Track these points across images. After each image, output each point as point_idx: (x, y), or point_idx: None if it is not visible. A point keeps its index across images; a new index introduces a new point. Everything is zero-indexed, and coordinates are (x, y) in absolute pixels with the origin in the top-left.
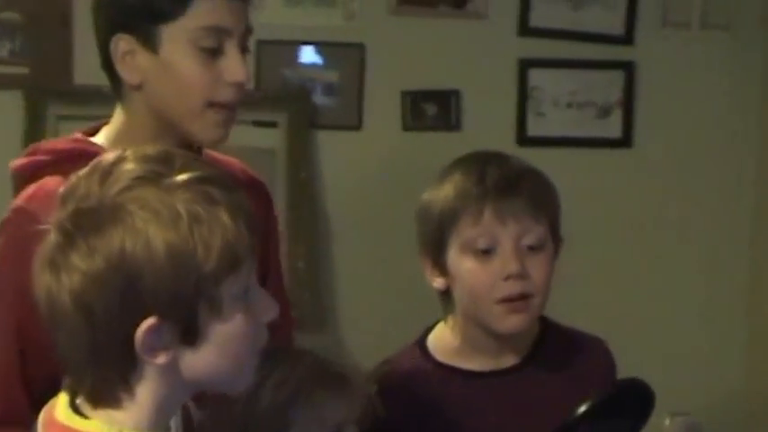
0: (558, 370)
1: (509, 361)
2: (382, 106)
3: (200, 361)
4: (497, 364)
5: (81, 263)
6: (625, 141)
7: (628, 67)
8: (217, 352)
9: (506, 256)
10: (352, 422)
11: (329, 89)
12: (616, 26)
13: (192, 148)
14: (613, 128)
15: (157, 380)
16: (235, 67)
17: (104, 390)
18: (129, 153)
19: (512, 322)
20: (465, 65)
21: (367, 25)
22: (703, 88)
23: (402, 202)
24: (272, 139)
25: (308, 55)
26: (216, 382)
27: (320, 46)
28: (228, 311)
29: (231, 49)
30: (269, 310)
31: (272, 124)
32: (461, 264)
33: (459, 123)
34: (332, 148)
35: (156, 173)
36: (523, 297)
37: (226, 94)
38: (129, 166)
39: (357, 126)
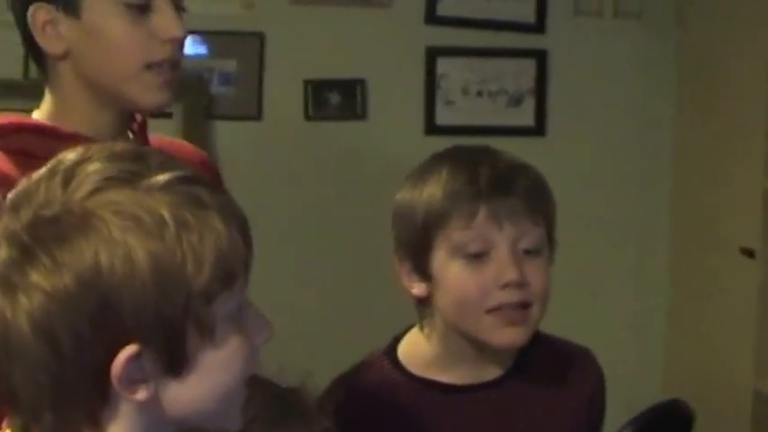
0: (544, 383)
1: (491, 373)
2: (283, 96)
3: (187, 394)
4: (478, 377)
5: (43, 281)
6: (538, 130)
7: (540, 56)
8: (207, 383)
9: (503, 261)
10: None
11: (226, 78)
12: (527, 15)
13: (134, 119)
14: (526, 116)
15: (134, 418)
16: (167, 21)
17: None
18: (93, 151)
19: (509, 336)
20: (370, 53)
21: (267, 14)
22: (616, 76)
23: (305, 194)
24: (168, 130)
25: (205, 44)
26: (203, 419)
27: (217, 35)
28: (221, 335)
29: (161, 4)
30: (262, 330)
31: (167, 115)
32: (449, 269)
33: (364, 113)
34: (231, 138)
35: (129, 172)
36: (522, 306)
37: (163, 53)
38: (96, 165)
39: (257, 116)
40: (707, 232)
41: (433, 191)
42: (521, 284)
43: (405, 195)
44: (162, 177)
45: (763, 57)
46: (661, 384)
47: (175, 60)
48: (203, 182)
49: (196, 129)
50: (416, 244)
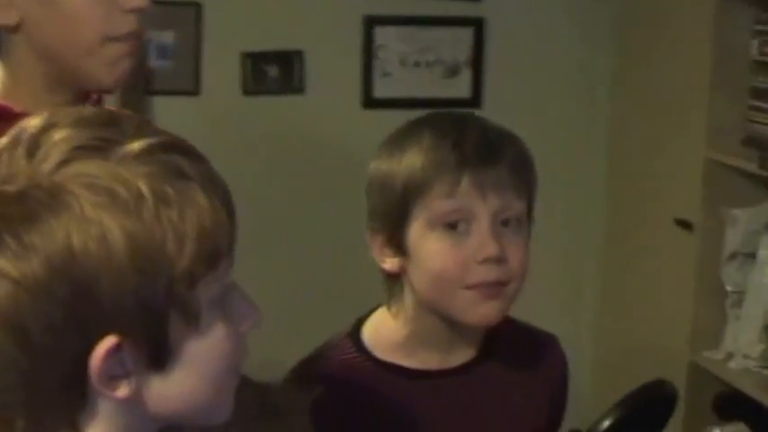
0: (511, 370)
1: (458, 359)
2: (221, 69)
3: (172, 389)
4: (445, 362)
5: (10, 267)
6: (474, 101)
7: (477, 24)
8: (193, 375)
9: (483, 235)
10: None
11: (164, 52)
12: None
13: (89, 97)
14: (462, 87)
15: (115, 418)
16: None
17: None
18: (59, 116)
19: (484, 311)
20: (308, 23)
21: None
22: (555, 45)
23: (243, 171)
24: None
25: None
26: (190, 414)
27: (154, 5)
28: (206, 322)
29: None
30: (250, 315)
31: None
32: (426, 242)
33: (302, 86)
34: (168, 114)
35: (102, 140)
36: (498, 284)
37: (125, 25)
38: (64, 132)
39: (195, 91)
40: (642, 202)
41: (413, 157)
42: (499, 260)
43: (381, 164)
44: (138, 145)
45: (706, 22)
46: (592, 357)
47: (137, 34)
48: (182, 148)
49: (132, 105)
50: (393, 215)
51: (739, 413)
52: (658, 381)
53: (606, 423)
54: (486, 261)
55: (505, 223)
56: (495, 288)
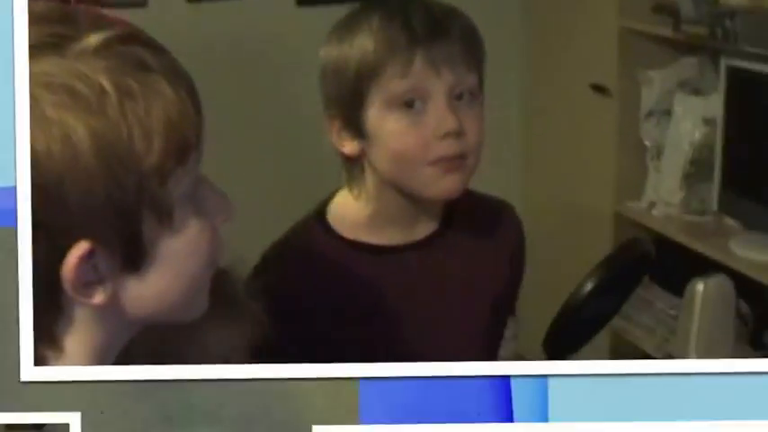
0: (472, 239)
1: (421, 232)
2: None
3: (149, 290)
4: (410, 236)
5: None
6: None
7: None
8: (169, 274)
9: (441, 110)
10: (240, 350)
11: None
12: None
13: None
14: None
15: (93, 326)
16: None
17: None
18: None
19: (446, 185)
20: None
21: None
22: None
23: (193, 73)
24: None
25: None
26: (167, 313)
27: None
28: (179, 218)
29: None
30: (221, 207)
31: None
32: (385, 123)
33: None
34: None
35: (57, 36)
36: (459, 157)
37: None
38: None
39: (143, 3)
40: (560, 73)
41: (364, 41)
42: (459, 134)
43: (331, 50)
44: (95, 38)
45: None
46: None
47: None
48: (143, 39)
49: None
50: (348, 99)
51: (666, 257)
52: (634, 239)
53: (589, 285)
54: (446, 136)
55: (459, 97)
56: (456, 162)
